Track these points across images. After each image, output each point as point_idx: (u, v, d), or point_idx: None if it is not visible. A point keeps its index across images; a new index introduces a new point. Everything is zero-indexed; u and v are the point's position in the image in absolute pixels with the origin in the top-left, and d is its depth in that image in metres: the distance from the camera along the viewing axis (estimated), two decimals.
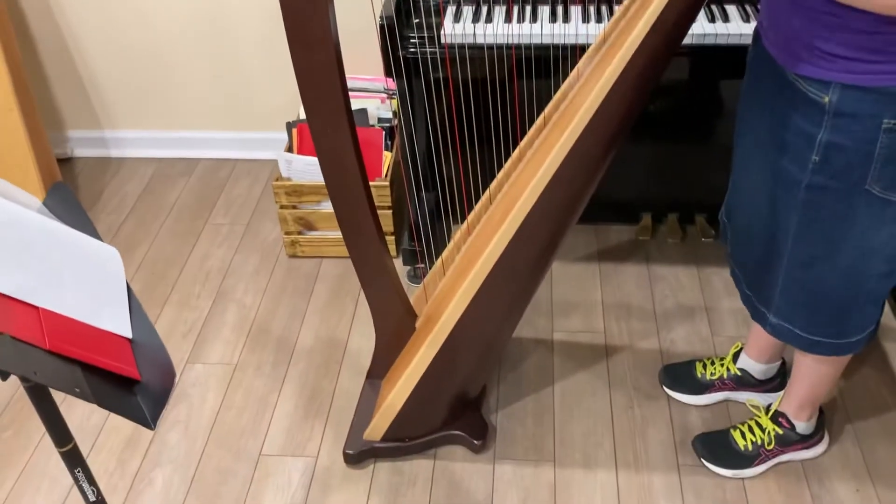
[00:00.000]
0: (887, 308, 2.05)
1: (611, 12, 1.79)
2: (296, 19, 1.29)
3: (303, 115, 2.22)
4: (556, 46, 1.73)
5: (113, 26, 2.48)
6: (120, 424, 1.85)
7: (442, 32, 1.77)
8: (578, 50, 1.63)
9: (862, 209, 1.25)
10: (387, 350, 1.68)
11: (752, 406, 1.74)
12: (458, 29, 1.76)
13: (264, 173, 2.66)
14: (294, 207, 2.21)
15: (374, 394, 1.73)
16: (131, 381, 0.89)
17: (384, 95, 2.40)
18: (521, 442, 1.76)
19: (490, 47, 1.76)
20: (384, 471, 1.71)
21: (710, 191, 1.91)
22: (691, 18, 1.29)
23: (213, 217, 2.48)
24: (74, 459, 0.99)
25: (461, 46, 1.76)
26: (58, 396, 0.93)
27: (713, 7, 1.77)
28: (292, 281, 2.23)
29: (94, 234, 1.08)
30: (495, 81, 1.77)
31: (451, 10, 1.84)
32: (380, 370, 1.72)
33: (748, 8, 1.76)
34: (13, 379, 1.03)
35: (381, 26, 1.74)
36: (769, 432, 1.66)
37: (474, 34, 1.76)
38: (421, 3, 1.84)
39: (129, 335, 0.93)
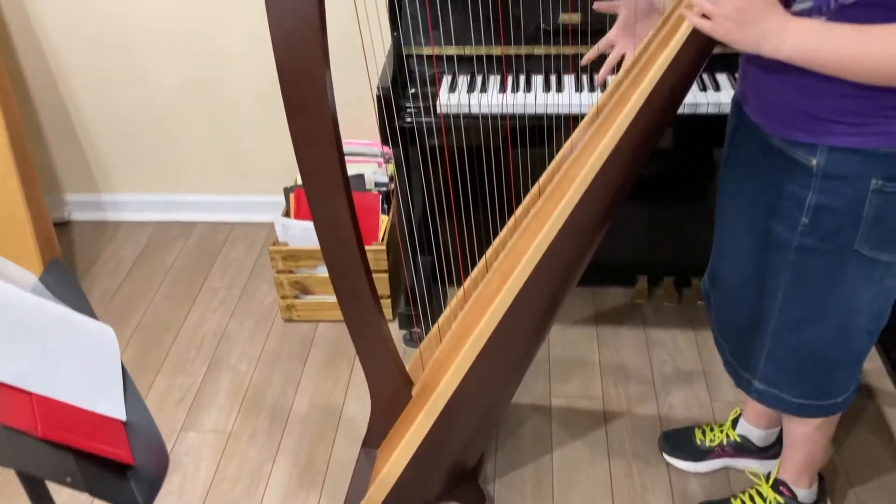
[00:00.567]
0: (883, 371, 2.05)
1: (603, 81, 1.82)
2: (293, 90, 1.31)
3: (300, 181, 2.24)
4: (549, 116, 1.76)
5: (112, 89, 2.52)
6: None
7: (438, 103, 1.79)
8: (572, 119, 1.66)
9: (851, 269, 1.26)
10: (382, 418, 1.66)
11: (752, 474, 1.72)
12: (453, 99, 1.79)
13: (261, 236, 2.67)
14: (290, 272, 2.22)
15: (369, 463, 1.70)
16: (125, 466, 0.87)
17: (381, 160, 2.43)
18: None
19: (485, 117, 1.78)
20: None
21: (704, 254, 1.92)
22: (684, 91, 1.31)
23: (210, 281, 2.48)
24: None
25: (456, 116, 1.79)
26: None
27: (704, 76, 1.81)
28: (287, 346, 2.22)
29: (90, 311, 1.08)
30: (490, 149, 1.79)
31: (446, 79, 1.87)
32: (375, 439, 1.70)
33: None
34: None
35: (378, 97, 1.77)
36: (770, 502, 1.63)
37: (469, 104, 1.78)
38: (417, 74, 1.88)
39: (123, 417, 0.92)
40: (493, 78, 1.86)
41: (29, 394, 0.84)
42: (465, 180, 1.77)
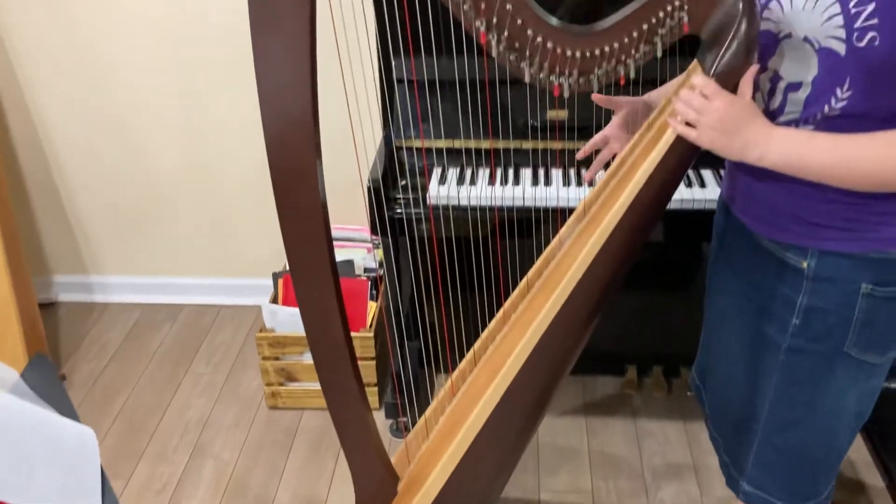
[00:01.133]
0: (872, 467, 2.02)
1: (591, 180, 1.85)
2: (285, 187, 1.33)
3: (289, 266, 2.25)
4: (538, 209, 1.78)
5: (105, 170, 2.54)
6: None
7: (428, 195, 1.81)
8: (560, 213, 1.68)
9: (839, 371, 1.26)
10: None
11: None
12: (443, 191, 1.81)
13: (248, 319, 2.66)
14: (276, 359, 2.20)
15: None
16: None
17: (371, 245, 2.44)
18: None
19: (474, 209, 1.80)
20: None
21: (693, 343, 1.91)
22: (671, 193, 1.33)
23: (195, 365, 2.45)
24: None
25: (446, 207, 1.81)
26: None
27: (690, 172, 1.84)
28: (271, 434, 2.18)
29: (71, 411, 1.06)
30: (479, 240, 1.81)
31: (436, 172, 1.90)
32: None
33: (723, 174, 1.83)
34: None
35: (369, 188, 1.79)
36: None
37: (458, 196, 1.80)
38: (407, 165, 1.91)
39: None
40: (482, 171, 1.89)
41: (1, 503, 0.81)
42: (454, 269, 1.78)
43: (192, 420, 2.24)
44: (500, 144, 1.89)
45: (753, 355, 1.36)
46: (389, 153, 1.90)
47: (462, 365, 1.63)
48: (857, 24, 1.04)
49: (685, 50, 1.30)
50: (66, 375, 2.41)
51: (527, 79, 1.19)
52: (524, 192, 1.80)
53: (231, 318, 2.67)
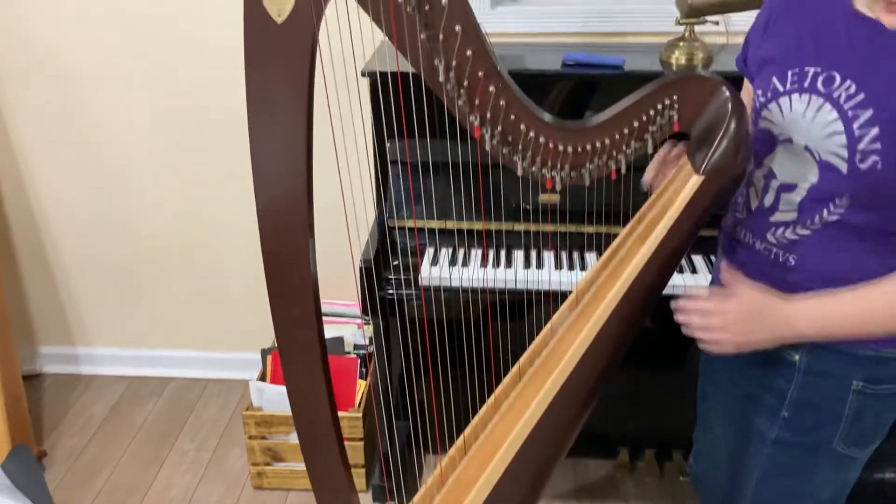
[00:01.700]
0: None
1: (582, 259, 1.86)
2: (277, 271, 1.33)
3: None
4: (529, 291, 1.78)
5: (96, 240, 2.54)
6: None
7: (420, 276, 1.82)
8: (552, 296, 1.68)
9: (824, 464, 1.26)
10: None
11: None
12: (434, 272, 1.81)
13: (235, 394, 2.62)
14: (263, 438, 2.16)
15: None
16: None
17: (361, 321, 2.42)
18: None
19: (465, 290, 1.80)
20: None
21: (685, 427, 1.89)
22: (664, 283, 1.33)
23: (180, 442, 2.41)
24: None
25: (437, 289, 1.80)
26: None
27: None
28: None
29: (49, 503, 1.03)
30: (471, 322, 1.80)
31: (428, 252, 1.90)
32: None
33: (713, 260, 1.84)
34: None
35: (361, 269, 1.79)
36: None
37: (451, 278, 1.81)
38: (399, 245, 1.91)
39: None
40: (474, 251, 1.90)
41: None
42: (445, 349, 1.76)
43: (176, 499, 2.18)
44: (493, 226, 1.90)
45: (739, 443, 1.35)
46: (382, 233, 1.91)
47: (452, 452, 1.61)
48: (861, 146, 1.06)
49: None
50: (48, 451, 2.36)
51: (519, 172, 1.21)
52: (516, 274, 1.80)
53: (218, 393, 2.63)
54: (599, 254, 1.87)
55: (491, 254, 1.88)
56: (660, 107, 1.17)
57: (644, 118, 1.18)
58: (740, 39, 2.10)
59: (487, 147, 1.17)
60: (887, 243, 1.11)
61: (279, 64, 1.16)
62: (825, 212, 1.12)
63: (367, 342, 2.36)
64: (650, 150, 1.21)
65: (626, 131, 1.18)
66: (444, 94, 1.13)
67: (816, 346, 1.19)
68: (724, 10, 1.87)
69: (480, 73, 1.12)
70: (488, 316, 1.81)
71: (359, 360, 2.23)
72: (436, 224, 1.91)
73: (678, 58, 1.91)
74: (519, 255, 1.88)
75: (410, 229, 1.93)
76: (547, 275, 1.80)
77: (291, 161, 1.22)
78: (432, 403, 1.92)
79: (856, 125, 1.06)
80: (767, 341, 1.14)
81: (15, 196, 2.49)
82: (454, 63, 1.11)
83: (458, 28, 1.08)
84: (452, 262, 1.86)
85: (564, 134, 1.18)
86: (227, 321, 2.63)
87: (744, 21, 2.05)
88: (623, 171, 1.22)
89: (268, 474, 2.19)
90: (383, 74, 1.75)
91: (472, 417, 1.53)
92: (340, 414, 1.50)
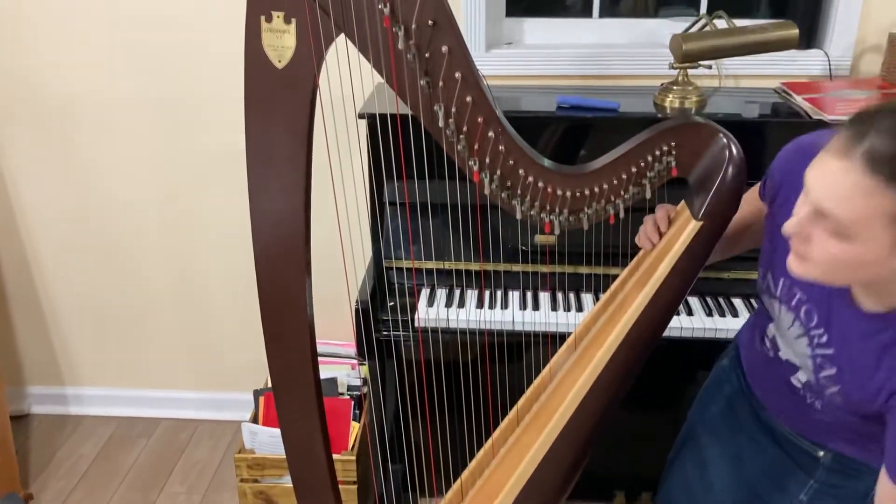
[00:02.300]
0: None
1: (579, 300, 1.86)
2: (273, 313, 1.32)
3: (270, 383, 2.20)
4: (527, 333, 1.77)
5: (88, 280, 2.52)
6: None
7: (416, 316, 1.81)
8: (550, 338, 1.67)
9: None
10: None
11: None
12: (431, 313, 1.81)
13: (227, 436, 2.59)
14: (255, 481, 2.12)
15: None
16: None
17: (355, 362, 2.40)
18: None
19: (462, 332, 1.79)
20: None
21: None
22: (663, 326, 1.33)
23: (170, 485, 2.37)
24: None
25: (434, 330, 1.80)
26: None
27: None
28: None
29: None
30: (468, 364, 1.79)
31: (425, 292, 1.89)
32: None
33: (709, 301, 1.85)
34: None
35: (357, 310, 1.78)
36: None
37: (447, 319, 1.80)
38: (396, 285, 1.91)
39: None
40: (470, 292, 1.89)
41: None
42: (441, 391, 1.75)
43: None
44: (489, 267, 1.90)
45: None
46: (379, 273, 1.91)
47: (449, 496, 1.59)
48: (821, 388, 1.14)
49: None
50: (35, 494, 2.31)
51: (518, 215, 1.21)
52: (513, 315, 1.80)
53: (209, 434, 2.59)
54: (596, 295, 1.87)
55: (487, 295, 1.88)
56: (658, 152, 1.18)
57: (642, 164, 1.19)
58: (732, 83, 2.15)
59: (486, 191, 1.17)
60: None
61: (279, 108, 1.16)
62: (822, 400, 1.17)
63: (361, 383, 2.34)
64: (648, 195, 1.22)
65: (624, 176, 1.19)
66: (443, 139, 1.14)
67: (839, 453, 1.23)
68: (716, 55, 1.89)
69: (480, 119, 1.13)
70: (485, 357, 1.80)
71: (352, 402, 2.21)
72: (432, 265, 1.91)
73: (672, 101, 1.93)
74: (515, 296, 1.88)
75: (407, 269, 1.92)
76: (544, 316, 1.79)
77: (290, 204, 1.22)
78: (428, 446, 1.90)
79: (821, 374, 1.13)
80: None
81: (5, 234, 2.47)
82: (454, 109, 1.11)
83: (457, 75, 1.09)
84: (448, 303, 1.85)
85: (563, 178, 1.19)
86: (219, 361, 2.60)
87: (736, 65, 2.08)
88: (621, 215, 1.22)
89: None
90: (381, 116, 1.76)
91: (469, 461, 1.51)
92: (334, 457, 1.48)
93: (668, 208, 1.34)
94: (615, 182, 1.20)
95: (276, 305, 1.30)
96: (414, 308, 1.84)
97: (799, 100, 1.92)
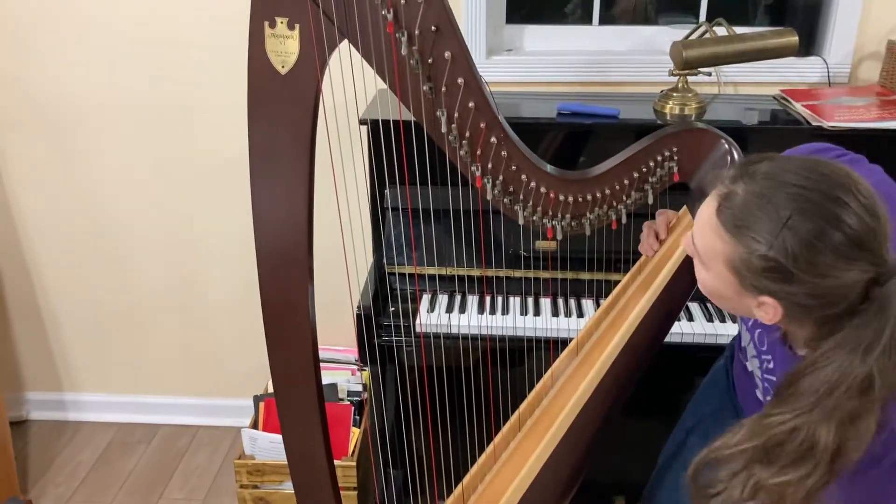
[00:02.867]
0: None
1: (579, 306, 1.86)
2: (275, 318, 1.32)
3: (271, 388, 2.20)
4: (528, 338, 1.77)
5: (87, 287, 2.52)
6: None
7: (418, 321, 1.81)
8: (552, 343, 1.67)
9: None
10: None
11: None
12: (432, 319, 1.81)
13: (226, 442, 2.58)
14: (255, 487, 2.12)
15: None
16: None
17: (355, 367, 2.40)
18: None
19: (464, 337, 1.80)
20: None
21: None
22: (665, 331, 1.34)
23: (169, 491, 2.36)
24: None
25: (436, 336, 1.80)
26: None
27: None
28: None
29: None
30: (468, 369, 1.79)
31: (426, 297, 1.90)
32: None
33: (710, 306, 1.85)
34: None
35: (358, 315, 1.78)
36: None
37: (448, 324, 1.80)
38: (398, 291, 1.91)
39: None
40: (471, 298, 1.90)
41: None
42: (443, 397, 1.75)
43: None
44: (491, 272, 1.90)
45: None
46: (381, 279, 1.91)
47: (450, 501, 1.59)
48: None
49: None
50: (34, 500, 2.31)
51: (521, 221, 1.21)
52: (515, 321, 1.80)
53: (208, 440, 2.59)
54: (597, 301, 1.88)
55: (488, 300, 1.88)
56: (660, 158, 1.19)
57: (645, 169, 1.19)
58: (731, 90, 2.16)
59: (489, 197, 1.18)
60: None
61: (282, 114, 1.17)
62: None
63: (361, 388, 2.33)
64: (650, 201, 1.22)
65: (626, 182, 1.20)
66: (445, 144, 1.14)
67: None
68: (717, 62, 1.90)
69: (482, 125, 1.13)
70: (486, 363, 1.80)
71: (353, 408, 2.21)
72: (433, 270, 1.91)
73: (672, 108, 1.94)
74: (516, 302, 1.88)
75: (410, 275, 1.92)
76: (544, 322, 1.80)
77: (293, 210, 1.22)
78: (430, 451, 1.90)
79: (767, 399, 1.15)
80: None
81: (4, 240, 2.47)
82: (456, 115, 1.12)
83: (460, 80, 1.10)
84: (449, 308, 1.85)
85: (565, 184, 1.20)
86: (218, 367, 2.60)
87: (735, 72, 2.10)
88: (624, 220, 1.23)
89: None
90: (383, 122, 1.76)
91: (470, 466, 1.52)
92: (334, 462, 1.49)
93: (669, 215, 1.35)
94: (617, 187, 1.20)
95: (279, 311, 1.31)
96: (415, 313, 1.84)
97: (798, 107, 1.93)
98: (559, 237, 1.22)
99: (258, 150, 1.19)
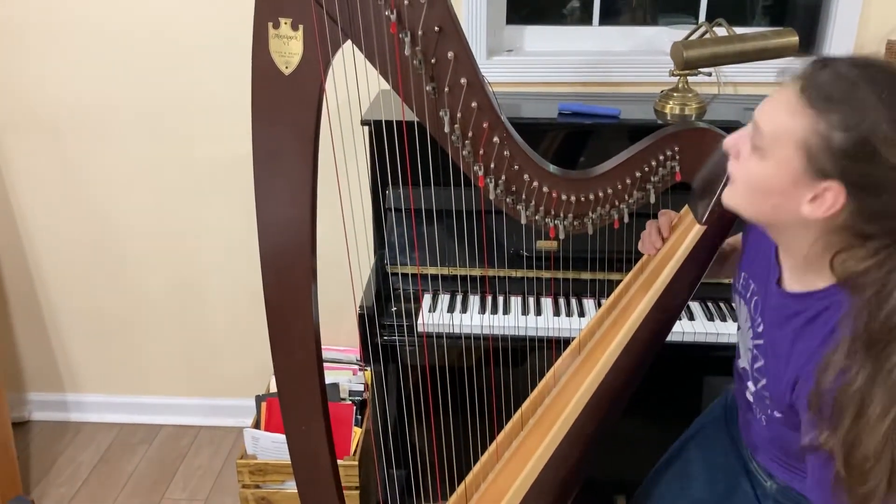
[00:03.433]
0: None
1: (580, 306, 1.86)
2: (279, 319, 1.33)
3: (273, 388, 2.21)
4: (529, 338, 1.78)
5: (89, 289, 2.52)
6: None
7: (420, 321, 1.81)
8: (554, 343, 1.67)
9: None
10: None
11: None
12: (434, 318, 1.81)
13: (227, 442, 2.59)
14: (257, 487, 2.13)
15: None
16: None
17: (357, 367, 2.41)
18: None
19: (466, 336, 1.80)
20: None
21: None
22: (666, 332, 1.34)
23: (171, 491, 2.36)
24: None
25: (438, 335, 1.80)
26: None
27: None
28: None
29: None
30: (471, 369, 1.79)
31: (428, 297, 1.90)
32: None
33: (710, 305, 1.86)
34: None
35: (361, 315, 1.78)
36: None
37: (450, 324, 1.80)
38: (401, 291, 1.91)
39: None
40: (473, 297, 1.90)
41: None
42: (444, 396, 1.76)
43: None
44: (492, 272, 1.91)
45: None
46: (383, 278, 1.91)
47: (453, 499, 1.59)
48: (755, 377, 1.17)
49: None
50: (35, 501, 2.31)
51: (523, 220, 1.22)
52: (516, 321, 1.80)
53: (210, 441, 2.59)
54: (598, 301, 1.88)
55: (490, 300, 1.88)
56: (662, 157, 1.20)
57: (646, 168, 1.20)
58: (731, 90, 2.16)
59: (491, 196, 1.18)
60: None
61: (286, 114, 1.17)
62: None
63: (363, 388, 2.34)
64: (652, 200, 1.23)
65: (628, 181, 1.21)
66: (448, 144, 1.15)
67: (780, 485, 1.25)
68: (717, 62, 1.91)
69: (485, 124, 1.14)
70: (488, 362, 1.81)
71: (354, 407, 2.21)
72: (435, 270, 1.92)
73: (672, 108, 1.95)
74: (518, 301, 1.89)
75: (413, 275, 1.93)
76: (546, 321, 1.80)
77: (297, 210, 1.22)
78: (432, 451, 1.91)
79: (754, 367, 1.16)
80: None
81: (6, 241, 2.48)
82: (459, 114, 1.13)
83: (463, 80, 1.10)
84: (451, 308, 1.86)
85: (568, 184, 1.20)
86: (220, 367, 2.60)
87: (734, 72, 2.10)
88: (626, 220, 1.23)
89: None
90: (385, 123, 1.77)
91: (472, 465, 1.52)
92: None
93: (671, 215, 1.36)
94: (619, 187, 1.21)
95: (283, 311, 1.31)
96: (417, 313, 1.84)
97: None
98: (562, 237, 1.22)
99: (262, 150, 1.19)
